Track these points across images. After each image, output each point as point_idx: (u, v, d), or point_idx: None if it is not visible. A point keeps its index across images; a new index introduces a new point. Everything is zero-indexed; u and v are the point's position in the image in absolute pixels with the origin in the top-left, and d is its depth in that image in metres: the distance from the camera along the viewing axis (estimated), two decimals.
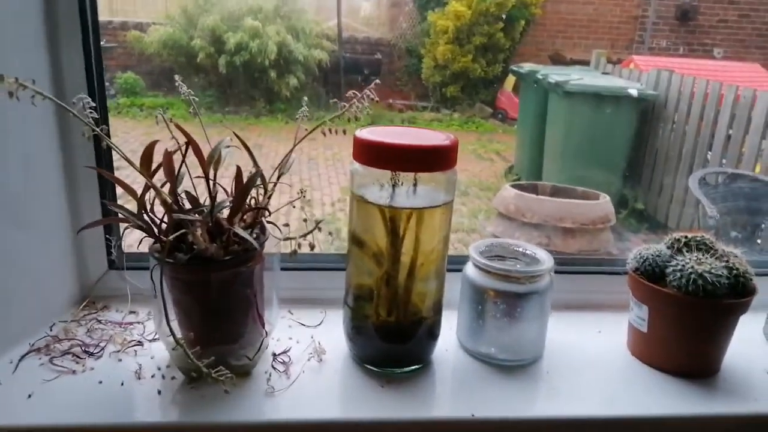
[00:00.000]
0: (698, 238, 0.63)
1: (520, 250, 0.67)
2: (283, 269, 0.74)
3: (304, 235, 0.49)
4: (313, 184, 3.31)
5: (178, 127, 0.53)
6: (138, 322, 0.69)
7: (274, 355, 0.63)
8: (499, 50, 5.09)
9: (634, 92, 3.24)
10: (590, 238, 1.93)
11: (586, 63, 4.36)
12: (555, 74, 3.39)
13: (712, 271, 0.58)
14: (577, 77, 3.30)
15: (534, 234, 1.93)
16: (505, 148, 4.50)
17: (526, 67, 3.94)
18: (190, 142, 0.52)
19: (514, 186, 2.15)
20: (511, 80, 4.84)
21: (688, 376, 0.63)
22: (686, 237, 0.64)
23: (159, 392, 0.57)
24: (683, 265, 0.60)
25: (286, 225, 0.55)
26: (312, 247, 0.49)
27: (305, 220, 0.49)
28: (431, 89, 5.15)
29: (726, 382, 0.63)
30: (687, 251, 0.62)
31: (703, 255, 0.61)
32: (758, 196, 2.42)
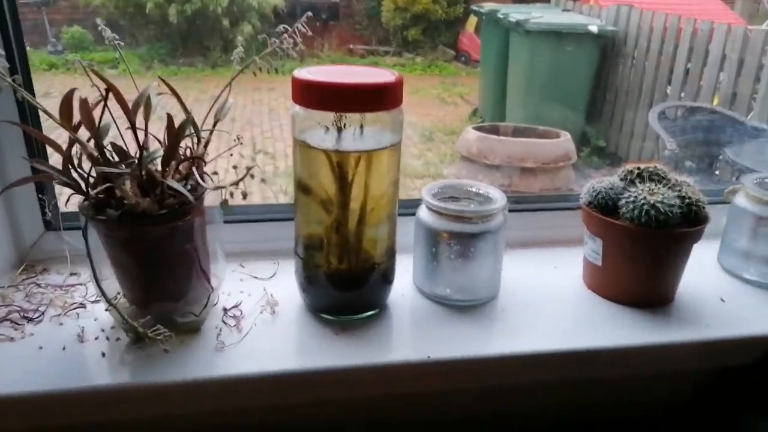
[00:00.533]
0: (651, 169, 0.62)
1: (473, 190, 0.65)
2: (232, 222, 0.72)
3: (235, 183, 0.46)
4: (275, 135, 3.23)
5: (96, 73, 0.49)
6: (80, 284, 0.65)
7: (225, 309, 0.61)
8: None
9: (594, 29, 3.22)
10: (552, 176, 1.94)
11: (546, 0, 4.29)
12: (515, 13, 3.34)
13: (665, 200, 0.58)
14: (537, 15, 3.26)
15: (497, 175, 1.93)
16: (469, 91, 4.45)
17: (487, 6, 3.86)
18: (111, 88, 0.48)
19: (476, 128, 2.13)
20: (473, 21, 4.74)
21: (644, 306, 0.63)
22: (639, 168, 0.63)
23: (103, 354, 0.55)
24: (635, 197, 0.59)
25: (215, 173, 0.51)
26: (244, 195, 0.46)
27: (234, 167, 0.46)
28: (392, 33, 5.02)
29: (680, 310, 0.64)
30: (640, 182, 0.61)
31: (655, 185, 0.60)
32: (716, 128, 2.46)
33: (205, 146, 0.54)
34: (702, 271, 0.71)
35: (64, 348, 0.56)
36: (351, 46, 4.92)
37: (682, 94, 3.04)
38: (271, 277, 0.69)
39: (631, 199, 0.59)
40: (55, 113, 0.49)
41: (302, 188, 0.57)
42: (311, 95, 0.53)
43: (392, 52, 5.04)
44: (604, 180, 0.63)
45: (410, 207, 0.66)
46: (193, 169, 0.50)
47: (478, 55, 4.33)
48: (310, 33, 0.50)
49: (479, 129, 2.13)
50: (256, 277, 0.68)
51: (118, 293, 0.54)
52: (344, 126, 0.54)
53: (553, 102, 3.22)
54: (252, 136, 3.22)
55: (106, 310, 0.48)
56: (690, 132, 2.53)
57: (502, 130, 2.22)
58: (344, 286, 0.60)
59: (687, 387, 0.70)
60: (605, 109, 3.49)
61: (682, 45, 3.00)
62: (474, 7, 4.17)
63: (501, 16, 3.39)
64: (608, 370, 0.60)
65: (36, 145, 0.67)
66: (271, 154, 2.94)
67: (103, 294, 0.47)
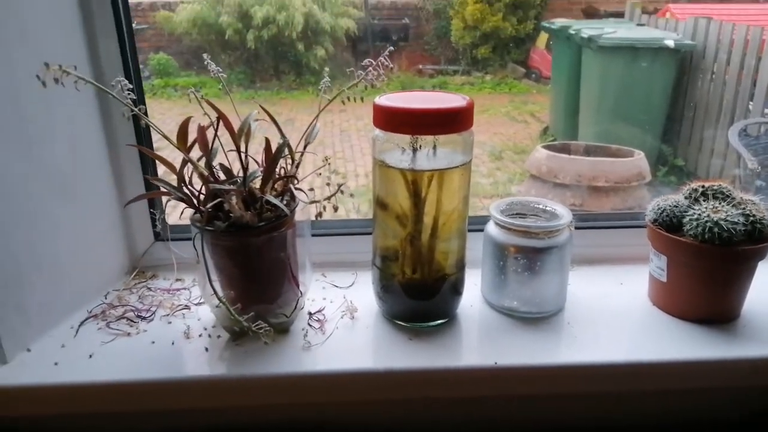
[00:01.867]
0: (715, 187, 0.64)
1: (540, 206, 0.69)
2: (315, 235, 0.79)
3: (328, 198, 0.52)
4: (346, 156, 3.34)
5: (209, 103, 0.57)
6: (184, 289, 0.74)
7: (310, 314, 0.68)
8: (530, 6, 4.96)
9: (670, 43, 3.14)
10: (624, 196, 1.92)
11: (620, 15, 4.22)
12: (588, 28, 3.30)
13: (728, 218, 0.60)
14: (610, 30, 3.21)
15: (567, 194, 1.93)
16: (540, 108, 4.42)
17: (558, 22, 3.85)
18: (221, 117, 0.56)
19: (545, 147, 2.14)
20: (543, 38, 4.72)
21: (708, 323, 0.65)
22: (703, 186, 0.65)
23: (206, 349, 0.62)
24: (699, 214, 0.61)
25: (311, 189, 0.58)
26: (335, 208, 0.53)
27: (328, 184, 0.52)
28: (461, 52, 5.07)
29: (746, 327, 0.65)
30: (704, 200, 0.63)
31: (719, 203, 0.62)
32: None
33: (297, 167, 0.61)
34: None
35: (173, 343, 0.64)
36: (420, 67, 5.01)
37: (766, 111, 2.91)
38: (350, 286, 0.75)
39: (695, 216, 0.61)
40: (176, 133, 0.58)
41: (380, 204, 0.63)
42: (390, 120, 0.59)
43: (461, 71, 5.09)
44: (669, 198, 0.66)
45: (479, 223, 0.71)
46: (288, 186, 0.57)
47: (549, 72, 4.30)
48: (392, 65, 0.56)
49: (549, 147, 2.14)
50: (336, 286, 0.75)
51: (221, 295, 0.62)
52: (419, 147, 0.60)
53: (628, 119, 3.15)
54: (324, 156, 3.35)
55: (216, 306, 0.56)
56: None
57: (573, 149, 2.22)
58: (417, 295, 0.65)
59: (751, 404, 0.70)
60: (683, 126, 3.38)
61: (765, 58, 2.88)
62: (545, 24, 4.16)
63: (572, 32, 3.36)
64: (671, 383, 0.62)
65: (148, 165, 0.77)
66: (342, 174, 3.05)
67: (215, 291, 0.55)
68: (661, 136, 3.32)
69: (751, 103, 2.99)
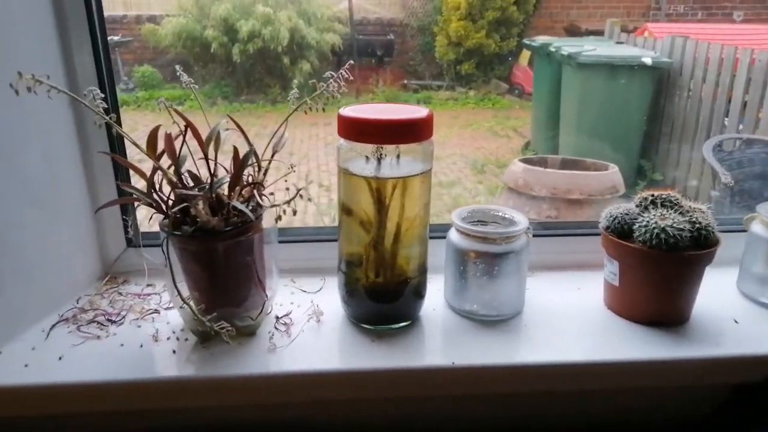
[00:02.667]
0: (664, 196, 0.67)
1: (500, 214, 0.72)
2: (286, 242, 0.81)
3: (287, 202, 0.55)
4: (330, 168, 3.37)
5: (177, 112, 0.59)
6: (155, 294, 0.76)
7: (277, 317, 0.70)
8: (512, 24, 5.06)
9: (648, 61, 3.21)
10: (598, 208, 1.96)
11: (600, 33, 4.32)
12: (568, 46, 3.37)
13: (674, 225, 0.63)
14: (590, 48, 3.28)
15: (543, 207, 1.97)
16: (522, 124, 4.49)
17: (540, 40, 3.92)
18: (189, 125, 0.58)
19: (522, 160, 2.18)
20: (526, 55, 4.81)
21: (659, 326, 0.68)
22: (653, 195, 0.68)
23: (174, 351, 0.64)
24: (647, 221, 0.64)
25: (272, 194, 0.60)
26: (294, 212, 0.55)
27: (287, 189, 0.55)
28: (446, 68, 5.15)
29: (694, 329, 0.68)
30: (653, 208, 0.66)
31: (667, 211, 0.65)
32: None
33: (264, 174, 0.64)
34: (720, 295, 0.74)
35: (141, 346, 0.65)
36: (405, 82, 5.07)
37: (741, 126, 2.99)
38: (318, 291, 0.77)
39: (644, 223, 0.64)
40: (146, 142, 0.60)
41: (345, 211, 0.66)
42: (354, 130, 0.62)
43: (445, 86, 5.16)
44: (621, 206, 0.69)
45: (443, 231, 0.73)
46: (254, 192, 0.59)
47: (532, 88, 4.38)
48: (351, 77, 0.59)
49: (526, 161, 2.19)
50: (304, 291, 0.77)
51: (187, 298, 0.63)
52: (383, 156, 0.62)
53: (607, 135, 3.21)
54: (308, 169, 3.38)
55: (180, 307, 0.58)
56: (747, 165, 2.49)
57: (550, 163, 2.26)
58: (380, 298, 0.67)
59: (701, 404, 0.73)
60: (661, 141, 3.45)
61: (739, 76, 2.96)
62: (526, 41, 4.24)
63: (553, 50, 3.43)
64: (623, 382, 0.65)
65: (120, 172, 0.79)
66: (326, 187, 3.08)
67: (178, 291, 0.56)
68: (639, 151, 3.38)
69: (726, 119, 3.07)
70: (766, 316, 0.70)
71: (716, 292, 0.73)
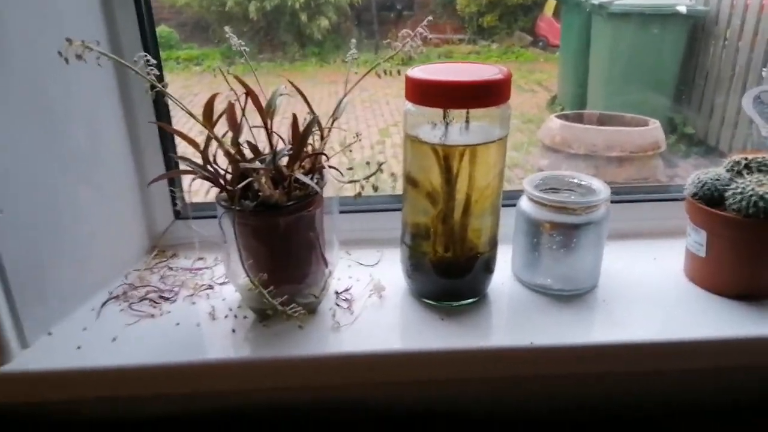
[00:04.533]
0: (759, 160, 0.62)
1: (575, 181, 0.67)
2: (340, 212, 0.77)
3: (368, 177, 0.50)
4: (350, 127, 3.30)
5: (237, 79, 0.55)
6: (207, 268, 0.73)
7: (337, 293, 0.67)
8: None
9: (682, 9, 3.06)
10: (639, 165, 1.89)
11: None
12: None
13: None
14: None
15: (581, 165, 1.90)
16: (547, 77, 4.35)
17: None
18: (250, 93, 0.54)
19: (559, 116, 2.10)
20: (551, 4, 4.61)
21: (748, 299, 0.63)
22: (746, 159, 0.62)
23: (233, 331, 0.61)
24: (743, 188, 0.59)
25: (350, 168, 0.56)
26: (375, 188, 0.51)
27: (368, 163, 0.50)
28: (467, 20, 4.97)
29: None
30: (747, 173, 0.61)
31: (764, 176, 0.60)
32: None
33: (325, 143, 0.59)
34: None
35: (198, 324, 0.63)
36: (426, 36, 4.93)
37: None
38: (376, 264, 0.73)
39: (739, 190, 0.59)
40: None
41: (410, 181, 0.61)
42: (422, 93, 0.57)
43: (467, 39, 5.00)
44: (709, 171, 0.63)
45: (508, 198, 0.68)
46: (323, 162, 0.55)
47: (557, 40, 4.22)
48: (431, 36, 0.53)
49: (563, 117, 2.10)
50: (362, 264, 0.73)
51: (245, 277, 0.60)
52: (452, 121, 0.57)
53: (638, 88, 3.10)
54: (355, 133, 3.31)
55: (249, 289, 0.54)
56: None
57: (586, 118, 2.18)
58: (448, 273, 0.63)
59: None
60: (694, 94, 3.32)
61: None
62: None
63: None
64: (708, 360, 0.61)
65: (167, 143, 0.74)
66: (350, 148, 3.02)
67: (249, 276, 0.53)
68: (671, 105, 3.27)
69: (764, 69, 2.94)
70: None
71: None
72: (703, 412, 0.71)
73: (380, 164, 0.49)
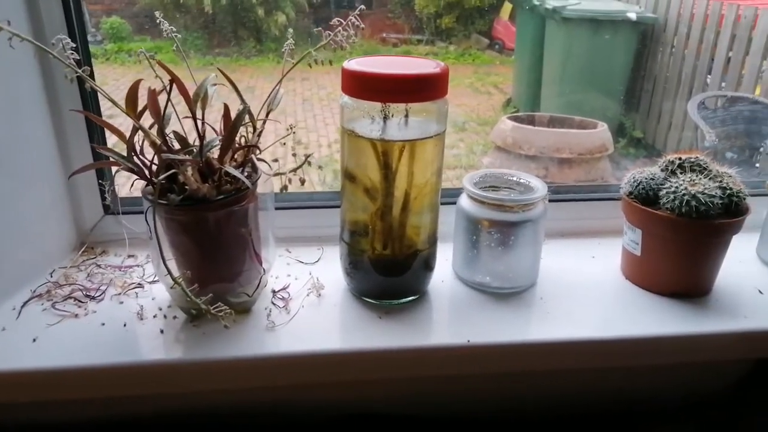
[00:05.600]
0: (692, 159, 0.63)
1: (514, 179, 0.67)
2: (279, 209, 0.74)
3: (294, 170, 0.48)
4: (308, 125, 3.26)
5: (161, 65, 0.52)
6: (137, 265, 0.69)
7: (274, 291, 0.64)
8: None
9: (633, 16, 3.15)
10: (587, 167, 1.92)
11: None
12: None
13: (705, 191, 0.58)
14: (574, 1, 3.20)
15: (531, 166, 1.92)
16: (503, 80, 4.40)
17: None
18: (174, 80, 0.51)
19: (511, 118, 2.12)
20: (507, 8, 4.67)
21: (681, 297, 0.64)
22: (680, 158, 0.63)
23: (161, 331, 0.58)
24: (676, 187, 0.60)
25: (276, 161, 0.54)
26: (302, 181, 0.49)
27: (294, 155, 0.48)
28: (425, 21, 4.99)
29: (718, 301, 0.64)
30: (681, 173, 0.62)
31: (696, 176, 0.61)
32: (757, 119, 2.39)
33: (259, 135, 0.57)
34: (741, 263, 0.71)
35: (125, 325, 0.60)
36: (384, 35, 4.92)
37: (723, 84, 2.96)
38: (316, 261, 0.71)
39: (672, 189, 0.60)
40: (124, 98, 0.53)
41: (349, 176, 0.60)
42: (360, 86, 0.55)
43: (425, 40, 5.02)
44: (644, 170, 0.64)
45: (450, 196, 0.68)
46: (252, 156, 0.53)
47: (513, 43, 4.27)
48: (362, 25, 0.52)
49: (515, 119, 2.13)
50: (302, 262, 0.71)
51: (176, 274, 0.57)
52: (390, 115, 0.56)
53: (590, 92, 3.16)
54: (288, 125, 3.26)
55: (171, 287, 0.52)
56: (730, 123, 2.47)
57: (538, 120, 2.20)
58: (388, 271, 0.62)
59: (721, 379, 0.71)
60: (643, 99, 3.41)
61: (723, 32, 2.91)
62: None
63: (537, 3, 3.33)
64: (644, 359, 0.61)
65: (95, 133, 0.71)
66: (305, 144, 2.98)
67: (170, 272, 0.50)
68: (621, 109, 3.35)
69: (709, 76, 3.04)
70: None
71: (737, 261, 0.69)
72: (641, 410, 0.72)
73: (307, 156, 0.47)
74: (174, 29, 0.59)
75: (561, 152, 1.88)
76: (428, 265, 0.64)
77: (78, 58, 0.52)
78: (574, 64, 3.19)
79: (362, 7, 0.52)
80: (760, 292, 0.66)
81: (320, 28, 0.53)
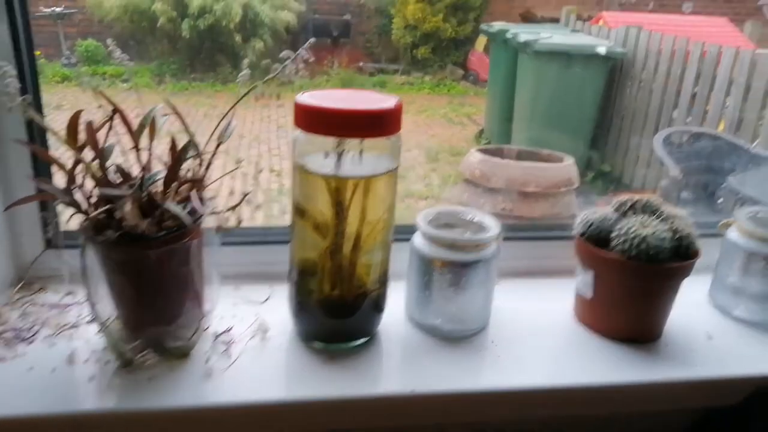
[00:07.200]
0: (644, 200, 0.63)
1: (468, 218, 0.66)
2: (229, 244, 0.72)
3: (231, 209, 0.47)
4: (282, 152, 3.24)
5: (102, 95, 0.50)
6: (76, 304, 0.66)
7: (216, 334, 0.62)
8: (470, 9, 5.02)
9: (602, 50, 3.23)
10: (553, 202, 1.94)
11: (557, 20, 4.32)
12: (524, 33, 3.34)
13: (656, 234, 0.58)
14: (546, 36, 3.26)
15: (498, 199, 1.93)
16: (477, 111, 4.47)
17: (496, 26, 3.88)
18: (117, 110, 0.49)
19: (480, 150, 2.14)
20: (482, 40, 4.77)
21: (632, 342, 0.63)
22: (632, 199, 0.63)
23: (91, 378, 0.55)
24: (627, 229, 0.59)
25: (212, 198, 0.52)
26: (239, 222, 0.47)
27: (231, 193, 0.47)
28: (402, 51, 5.06)
29: (668, 347, 0.63)
30: (633, 214, 0.62)
31: (648, 217, 0.60)
32: (720, 155, 2.45)
33: (207, 169, 0.55)
34: (692, 307, 0.70)
35: (53, 370, 0.56)
36: (361, 64, 4.96)
37: (689, 119, 3.03)
38: (265, 301, 0.69)
39: (623, 231, 0.59)
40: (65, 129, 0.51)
41: (299, 212, 0.58)
42: (312, 120, 0.54)
43: (401, 70, 5.08)
44: (597, 211, 0.64)
45: (408, 233, 0.66)
46: (193, 191, 0.51)
47: (487, 75, 4.35)
48: (312, 59, 0.51)
49: (483, 151, 2.14)
50: (250, 301, 0.69)
51: (110, 315, 0.55)
52: (345, 151, 0.55)
53: (559, 124, 3.22)
54: (259, 153, 3.24)
55: (99, 332, 0.49)
56: (694, 158, 2.52)
57: (506, 153, 2.23)
58: (335, 313, 0.60)
59: (675, 426, 0.69)
60: (611, 132, 3.48)
61: (689, 68, 3.00)
62: (483, 26, 4.20)
63: (509, 36, 3.40)
64: (595, 407, 0.60)
65: (40, 164, 0.68)
66: (277, 171, 2.96)
67: (96, 316, 0.48)
68: (590, 142, 3.41)
69: (675, 111, 3.11)
70: (740, 332, 0.67)
71: (688, 304, 0.68)
72: None
73: (245, 194, 0.46)
74: (128, 57, 0.58)
75: (527, 186, 1.90)
76: (378, 307, 0.62)
77: (18, 85, 0.50)
78: (544, 97, 3.25)
79: (312, 39, 0.51)
80: (710, 337, 0.65)
81: (268, 61, 0.52)
